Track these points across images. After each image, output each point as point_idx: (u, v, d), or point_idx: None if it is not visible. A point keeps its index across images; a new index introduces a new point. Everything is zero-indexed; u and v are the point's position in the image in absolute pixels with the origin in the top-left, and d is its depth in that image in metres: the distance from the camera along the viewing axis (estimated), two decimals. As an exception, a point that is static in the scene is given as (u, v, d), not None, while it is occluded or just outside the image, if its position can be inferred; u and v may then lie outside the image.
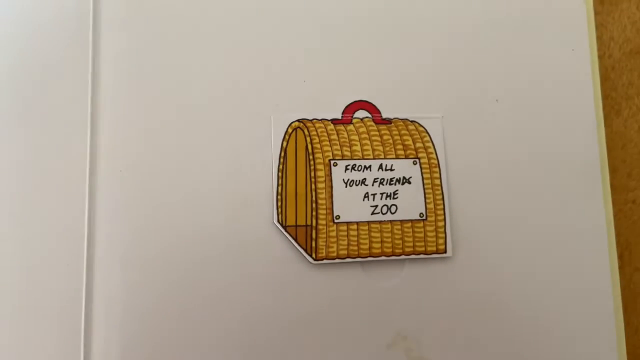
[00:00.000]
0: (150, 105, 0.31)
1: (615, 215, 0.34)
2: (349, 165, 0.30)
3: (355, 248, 0.30)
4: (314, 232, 0.30)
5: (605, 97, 0.36)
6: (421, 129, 0.32)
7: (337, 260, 0.30)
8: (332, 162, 0.30)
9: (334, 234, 0.30)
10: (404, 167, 0.31)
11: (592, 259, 0.33)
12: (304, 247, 0.30)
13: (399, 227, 0.30)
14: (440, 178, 0.32)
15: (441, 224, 0.31)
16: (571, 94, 0.35)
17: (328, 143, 0.31)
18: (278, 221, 0.30)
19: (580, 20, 0.35)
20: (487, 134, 0.33)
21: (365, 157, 0.31)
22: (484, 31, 0.35)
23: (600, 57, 0.36)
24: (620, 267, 0.34)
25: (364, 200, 0.30)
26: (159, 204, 0.30)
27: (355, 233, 0.30)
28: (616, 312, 0.32)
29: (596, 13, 0.36)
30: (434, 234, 0.31)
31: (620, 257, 0.35)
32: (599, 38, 0.37)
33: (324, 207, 0.30)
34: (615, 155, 0.37)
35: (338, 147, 0.31)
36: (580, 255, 0.33)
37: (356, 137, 0.31)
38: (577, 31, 0.35)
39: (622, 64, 0.37)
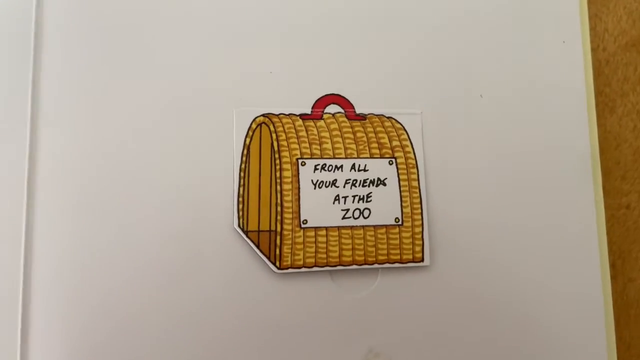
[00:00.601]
0: (98, 100, 0.29)
1: (607, 221, 0.33)
2: (318, 164, 0.29)
3: (324, 256, 0.28)
4: (278, 238, 0.28)
5: (599, 93, 0.34)
6: (398, 125, 0.31)
7: (303, 270, 0.28)
8: (300, 161, 0.29)
9: (300, 240, 0.28)
10: (378, 168, 0.29)
11: (582, 269, 0.31)
12: (267, 254, 0.28)
13: (372, 233, 0.29)
14: (418, 180, 0.30)
15: (418, 229, 0.29)
16: (562, 90, 0.33)
17: (296, 140, 0.29)
18: (239, 226, 0.28)
19: (572, 10, 0.33)
20: (469, 132, 0.32)
21: (336, 156, 0.29)
22: (468, 21, 0.33)
23: (594, 50, 0.34)
24: (613, 277, 0.33)
25: (334, 203, 0.29)
26: (104, 207, 0.28)
27: (324, 239, 0.28)
28: (607, 327, 0.31)
29: (590, 2, 0.34)
30: (410, 240, 0.29)
31: (613, 266, 0.34)
32: (593, 29, 0.34)
33: (290, 210, 0.28)
34: (609, 157, 0.34)
35: (307, 145, 0.29)
36: (569, 265, 0.31)
37: (327, 134, 0.30)
38: (569, 22, 0.33)
39: (617, 57, 0.35)
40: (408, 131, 0.31)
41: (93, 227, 0.28)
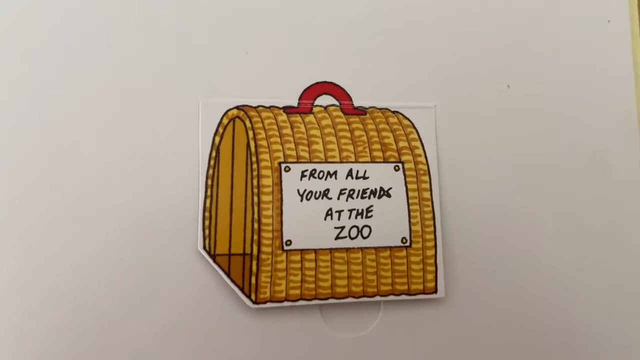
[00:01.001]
0: (27, 92, 0.25)
1: None
2: (306, 170, 0.26)
3: (312, 286, 0.25)
4: (254, 263, 0.25)
5: None
6: (406, 122, 0.27)
7: (286, 304, 0.25)
8: (283, 165, 0.25)
9: (282, 266, 0.25)
10: (381, 174, 0.26)
11: (629, 299, 0.28)
12: (240, 285, 0.25)
13: (373, 256, 0.26)
14: (430, 190, 0.27)
15: (430, 252, 0.26)
16: (606, 78, 0.29)
17: (278, 140, 0.26)
18: (204, 248, 0.25)
19: None
20: (493, 131, 0.28)
21: (329, 160, 0.26)
22: None
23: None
24: None
25: (325, 219, 0.25)
26: (41, 221, 0.24)
27: (312, 265, 0.25)
28: None
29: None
30: (420, 266, 0.26)
31: None
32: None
33: (270, 228, 0.25)
34: None
35: (292, 146, 0.26)
36: (607, 294, 0.28)
37: (318, 132, 0.26)
38: None
39: None
40: (418, 129, 0.27)
41: (32, 250, 0.24)
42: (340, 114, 0.27)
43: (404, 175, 0.26)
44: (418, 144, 0.27)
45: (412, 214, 0.26)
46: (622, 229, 0.28)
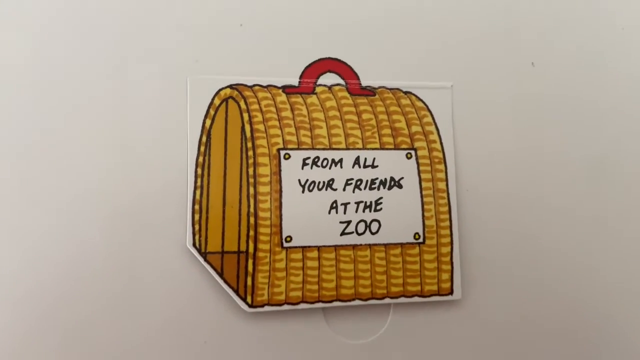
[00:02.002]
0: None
1: None
2: (308, 158, 0.24)
3: (315, 288, 0.24)
4: (250, 262, 0.23)
5: None
6: (420, 104, 0.26)
7: (286, 307, 0.23)
8: (282, 152, 0.24)
9: (282, 265, 0.23)
10: (392, 163, 0.25)
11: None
12: (235, 286, 0.23)
13: (382, 254, 0.24)
14: (446, 179, 0.25)
15: (446, 249, 0.25)
16: (630, 55, 0.27)
17: (277, 123, 0.24)
18: (194, 245, 0.23)
19: None
20: (516, 115, 0.26)
21: (333, 147, 0.25)
22: None
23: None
24: None
25: (330, 212, 0.24)
26: (21, 218, 0.22)
27: (315, 264, 0.24)
28: None
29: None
30: (435, 265, 0.25)
31: None
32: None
33: (268, 223, 0.23)
34: None
35: (292, 130, 0.24)
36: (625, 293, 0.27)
37: (321, 115, 0.25)
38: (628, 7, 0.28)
39: None
40: (433, 112, 0.26)
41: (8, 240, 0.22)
42: (346, 94, 0.25)
43: (417, 163, 0.25)
44: (433, 128, 0.25)
45: (425, 207, 0.25)
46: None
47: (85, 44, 0.23)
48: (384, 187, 0.25)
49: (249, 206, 0.23)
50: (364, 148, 0.25)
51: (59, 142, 0.23)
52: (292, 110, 0.25)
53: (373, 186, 0.25)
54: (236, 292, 0.23)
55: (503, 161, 0.26)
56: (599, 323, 0.26)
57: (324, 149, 0.24)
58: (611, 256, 0.27)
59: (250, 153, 0.24)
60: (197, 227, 0.23)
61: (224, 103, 0.24)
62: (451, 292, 0.25)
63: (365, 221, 0.24)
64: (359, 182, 0.24)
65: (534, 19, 0.27)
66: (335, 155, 0.24)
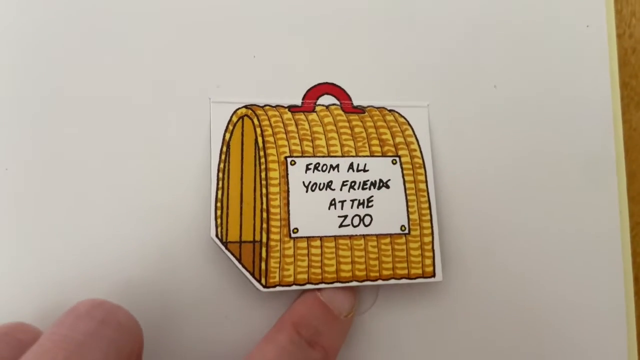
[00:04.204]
0: (45, 85, 0.26)
1: (632, 230, 0.31)
2: (310, 164, 0.26)
3: (319, 271, 0.25)
4: (264, 250, 0.25)
5: (624, 85, 0.32)
6: (402, 120, 0.28)
7: (294, 287, 0.25)
8: (288, 159, 0.26)
9: (290, 252, 0.25)
10: (380, 167, 0.27)
11: (604, 282, 0.29)
12: (251, 270, 0.25)
13: (374, 243, 0.26)
14: (426, 181, 0.27)
15: (428, 239, 0.27)
16: (583, 81, 0.30)
17: (284, 136, 0.26)
18: (217, 236, 0.25)
19: None
20: (482, 128, 0.29)
21: (331, 154, 0.27)
22: (481, 3, 0.30)
23: (619, 37, 0.31)
24: (637, 293, 0.31)
25: (329, 208, 0.26)
26: (54, 211, 0.25)
27: (318, 251, 0.25)
28: (630, 344, 0.29)
29: (613, -18, 0.31)
30: (419, 252, 0.26)
31: (637, 280, 0.32)
32: (618, 13, 0.31)
33: (278, 217, 0.25)
34: (634, 158, 0.32)
35: (297, 141, 0.27)
36: (591, 278, 0.29)
37: (320, 129, 0.27)
38: (593, 4, 0.30)
39: None
40: (413, 126, 0.28)
41: (43, 237, 0.24)
42: (341, 112, 0.28)
43: (401, 168, 0.27)
44: (413, 139, 0.28)
45: (409, 203, 0.27)
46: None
47: (131, 71, 0.26)
48: (374, 188, 0.27)
49: (262, 203, 0.25)
50: (356, 156, 0.27)
51: (112, 153, 0.25)
52: (296, 125, 0.27)
53: (365, 187, 0.27)
54: (252, 274, 0.25)
55: (473, 164, 0.28)
56: (564, 304, 0.28)
57: (323, 156, 0.27)
58: (575, 242, 0.29)
59: (263, 160, 0.26)
60: (219, 221, 0.25)
61: (241, 120, 0.26)
62: (434, 275, 0.26)
63: (359, 215, 0.26)
64: (353, 184, 0.27)
65: (494, 48, 0.30)
66: (333, 161, 0.27)
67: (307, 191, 0.26)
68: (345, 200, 0.26)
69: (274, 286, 0.25)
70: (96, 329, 0.18)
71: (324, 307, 0.24)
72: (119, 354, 0.18)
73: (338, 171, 0.27)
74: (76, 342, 0.18)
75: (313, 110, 0.27)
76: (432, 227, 0.27)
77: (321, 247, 0.26)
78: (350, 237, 0.26)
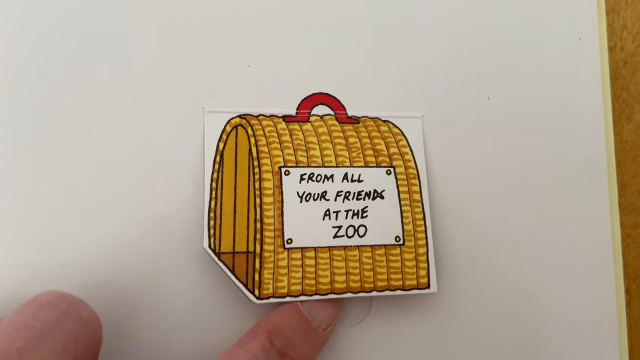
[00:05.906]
0: (39, 95, 0.25)
1: (623, 241, 0.31)
2: (304, 174, 0.26)
3: (313, 282, 0.25)
4: (257, 261, 0.25)
5: (615, 97, 0.32)
6: (396, 130, 0.28)
7: (288, 299, 0.25)
8: (283, 169, 0.26)
9: (284, 263, 0.25)
10: (375, 178, 0.27)
11: (596, 294, 0.29)
12: (244, 281, 0.25)
13: (369, 254, 0.26)
14: (420, 192, 0.27)
15: (422, 250, 0.27)
16: (575, 93, 0.31)
17: (278, 145, 0.26)
18: (210, 247, 0.25)
19: (588, 4, 0.31)
20: (476, 138, 0.29)
21: (325, 165, 0.27)
22: (474, 15, 0.30)
23: (611, 50, 0.31)
24: (628, 304, 0.31)
25: (324, 219, 0.26)
26: (45, 220, 0.24)
27: (312, 262, 0.25)
28: (621, 356, 0.29)
29: (607, -5, 0.32)
30: (413, 263, 0.26)
31: (628, 291, 0.32)
32: (610, 26, 0.31)
33: (272, 228, 0.25)
34: (625, 169, 0.32)
35: (291, 151, 0.26)
36: (582, 289, 0.29)
37: (314, 139, 0.27)
38: (585, 17, 0.31)
39: (636, 58, 0.32)
40: (407, 137, 0.28)
41: (34, 245, 0.24)
42: (335, 122, 0.28)
43: (396, 178, 0.27)
44: (407, 150, 0.28)
45: (404, 214, 0.27)
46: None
47: (126, 81, 0.26)
48: (369, 198, 0.27)
49: (255, 214, 0.25)
50: (351, 166, 0.27)
51: (104, 162, 0.25)
52: (290, 135, 0.27)
53: (359, 197, 0.26)
54: (245, 286, 0.24)
55: (467, 175, 0.28)
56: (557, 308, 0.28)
57: (317, 166, 0.26)
58: (571, 251, 0.29)
59: (257, 170, 0.26)
60: (212, 231, 0.25)
61: (234, 130, 0.26)
62: (428, 286, 0.26)
63: (353, 226, 0.26)
64: (347, 194, 0.26)
65: (487, 61, 0.30)
66: (327, 172, 0.26)
67: (301, 201, 0.26)
68: (339, 211, 0.26)
69: (268, 298, 0.24)
70: (57, 319, 0.19)
71: (301, 318, 0.24)
72: (76, 347, 0.19)
73: (332, 181, 0.26)
74: (37, 331, 0.18)
75: (307, 120, 0.27)
76: (426, 237, 0.27)
77: (315, 258, 0.25)
78: (345, 247, 0.26)
